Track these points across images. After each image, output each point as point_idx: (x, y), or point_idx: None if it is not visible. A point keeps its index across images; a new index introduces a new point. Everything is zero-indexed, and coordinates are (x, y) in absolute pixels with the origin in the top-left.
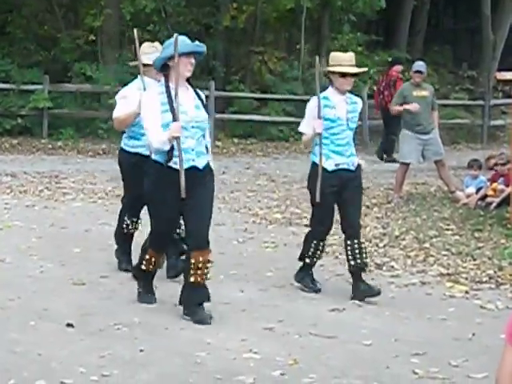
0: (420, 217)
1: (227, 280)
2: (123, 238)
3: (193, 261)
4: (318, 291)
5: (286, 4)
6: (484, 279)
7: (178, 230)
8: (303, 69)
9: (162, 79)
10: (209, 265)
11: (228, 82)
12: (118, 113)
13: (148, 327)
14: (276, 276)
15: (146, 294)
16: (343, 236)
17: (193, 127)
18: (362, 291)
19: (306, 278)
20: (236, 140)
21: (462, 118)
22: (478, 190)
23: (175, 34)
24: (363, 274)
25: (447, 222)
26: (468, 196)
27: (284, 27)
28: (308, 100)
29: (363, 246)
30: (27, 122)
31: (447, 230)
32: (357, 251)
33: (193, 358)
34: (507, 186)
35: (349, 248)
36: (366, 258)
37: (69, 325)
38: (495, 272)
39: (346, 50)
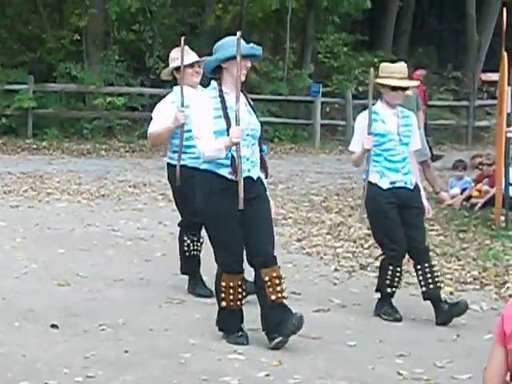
0: None
1: (212, 280)
2: (189, 264)
3: (266, 279)
4: (399, 319)
5: (272, 4)
6: (468, 280)
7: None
8: (288, 69)
9: (214, 83)
10: (283, 281)
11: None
12: (152, 128)
13: (132, 328)
14: None
15: (236, 332)
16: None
17: (247, 135)
18: (447, 312)
19: (386, 307)
20: None
21: (446, 118)
22: (463, 190)
23: (238, 33)
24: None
25: (432, 222)
26: (453, 197)
27: (269, 27)
28: (293, 100)
29: (435, 268)
30: (12, 122)
31: (432, 230)
32: (428, 275)
33: (177, 359)
34: (492, 186)
35: (420, 273)
36: (440, 281)
37: (53, 326)
38: (480, 273)
39: (331, 51)
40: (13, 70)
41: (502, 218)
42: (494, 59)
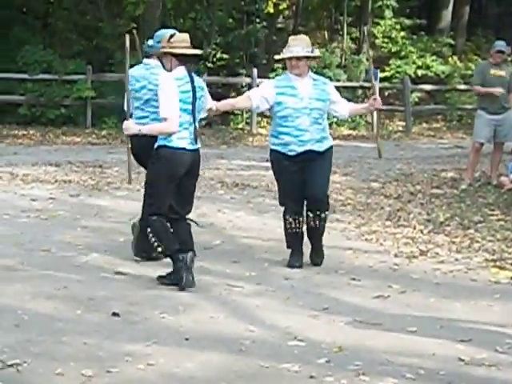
0: (464, 202)
1: (271, 268)
2: None
3: None
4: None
5: None
6: None
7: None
8: (345, 55)
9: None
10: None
11: (271, 69)
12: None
13: (193, 316)
14: None
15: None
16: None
17: None
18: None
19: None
20: None
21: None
22: None
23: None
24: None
25: (492, 207)
26: None
27: (326, 14)
28: (351, 87)
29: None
30: (71, 112)
31: (492, 215)
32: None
33: (237, 346)
34: None
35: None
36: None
37: (114, 314)
38: None
39: (389, 36)
40: (71, 61)
41: None
42: None
